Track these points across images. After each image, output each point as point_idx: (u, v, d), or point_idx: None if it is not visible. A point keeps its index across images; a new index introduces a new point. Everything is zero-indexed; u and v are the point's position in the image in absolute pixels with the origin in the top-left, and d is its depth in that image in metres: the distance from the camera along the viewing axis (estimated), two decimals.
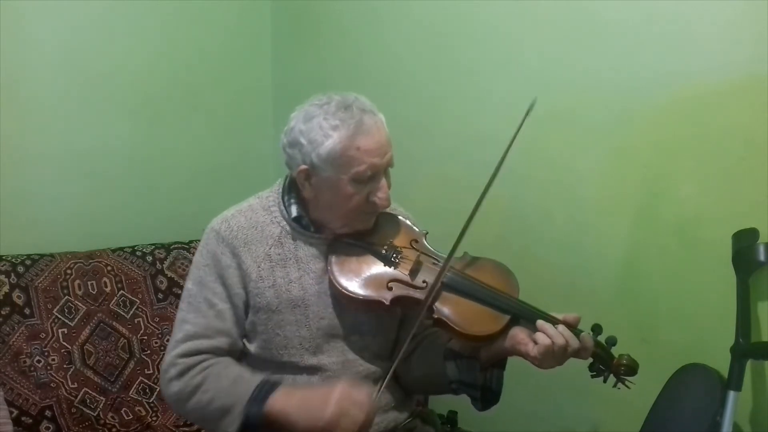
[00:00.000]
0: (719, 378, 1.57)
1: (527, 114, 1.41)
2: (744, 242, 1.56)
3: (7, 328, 1.97)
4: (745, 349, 1.52)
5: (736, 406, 1.50)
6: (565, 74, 1.89)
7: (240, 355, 1.48)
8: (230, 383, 1.37)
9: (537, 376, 1.99)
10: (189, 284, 1.46)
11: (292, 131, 1.41)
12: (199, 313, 1.42)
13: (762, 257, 1.53)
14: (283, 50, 2.70)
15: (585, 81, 1.85)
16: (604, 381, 1.36)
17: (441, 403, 2.07)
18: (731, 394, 1.51)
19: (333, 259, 1.44)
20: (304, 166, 1.39)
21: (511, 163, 2.01)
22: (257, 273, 1.43)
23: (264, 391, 1.34)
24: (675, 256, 1.72)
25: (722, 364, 1.56)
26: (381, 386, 1.35)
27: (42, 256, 2.11)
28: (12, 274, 2.03)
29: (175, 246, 2.34)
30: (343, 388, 1.30)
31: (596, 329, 1.35)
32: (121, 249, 2.26)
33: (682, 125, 1.69)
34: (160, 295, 2.24)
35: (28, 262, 2.08)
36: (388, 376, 1.35)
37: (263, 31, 2.71)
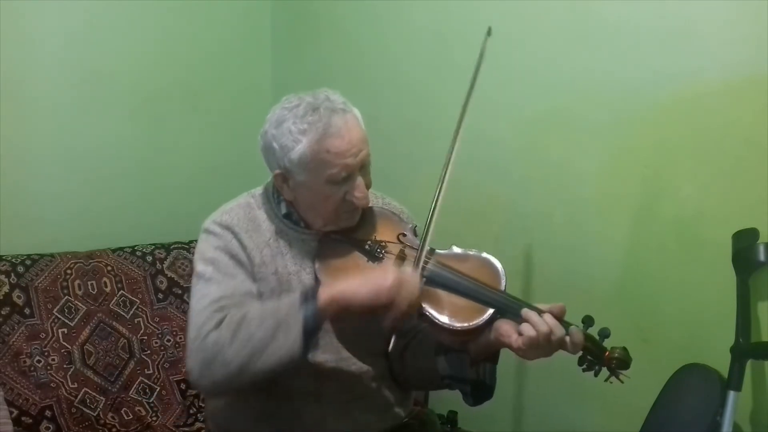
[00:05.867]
0: (719, 378, 1.57)
1: (485, 41, 1.48)
2: (744, 242, 1.56)
3: (7, 328, 1.97)
4: (745, 349, 1.52)
5: (736, 406, 1.50)
6: (565, 74, 1.89)
7: None
8: (272, 305, 1.33)
9: (538, 376, 2.00)
10: (200, 267, 1.42)
11: (265, 135, 1.41)
12: (221, 284, 1.38)
13: (762, 257, 1.53)
14: (283, 50, 2.70)
15: (585, 81, 1.85)
16: (596, 375, 1.32)
17: (441, 403, 2.07)
18: (731, 394, 1.51)
19: (319, 256, 1.44)
20: (278, 171, 1.40)
21: (511, 163, 2.03)
22: (260, 258, 1.43)
23: (309, 290, 1.32)
24: (675, 256, 1.72)
25: (722, 364, 1.56)
26: (419, 257, 1.36)
27: (42, 256, 2.12)
28: (12, 274, 2.03)
29: (175, 246, 2.35)
30: (391, 262, 1.33)
31: (587, 321, 1.31)
32: (121, 249, 2.27)
33: (682, 125, 1.69)
34: (160, 295, 2.24)
35: (28, 262, 2.08)
36: (423, 249, 1.36)
37: (263, 31, 2.71)
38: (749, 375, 1.57)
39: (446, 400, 2.08)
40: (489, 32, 1.50)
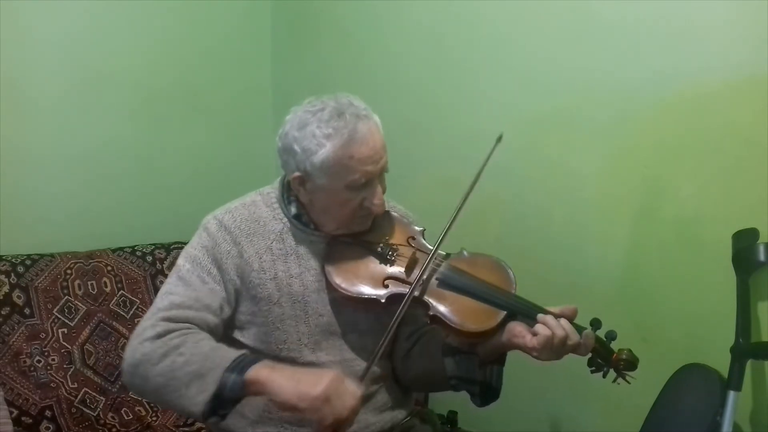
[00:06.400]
0: (719, 378, 1.57)
1: (495, 146, 1.44)
2: (744, 242, 1.56)
3: (7, 328, 1.97)
4: (745, 349, 1.52)
5: (736, 406, 1.50)
6: (565, 74, 1.89)
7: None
8: (210, 349, 1.29)
9: (538, 376, 2.00)
10: (181, 261, 1.42)
11: (286, 137, 1.40)
12: (189, 287, 1.37)
13: (762, 257, 1.53)
14: (283, 50, 2.70)
15: (585, 81, 1.85)
16: (604, 376, 1.35)
17: (441, 403, 2.07)
18: (731, 394, 1.51)
19: (330, 257, 1.45)
20: (297, 173, 1.40)
21: (512, 163, 2.03)
22: (259, 264, 1.43)
23: (246, 360, 1.26)
24: (675, 256, 1.72)
25: (722, 364, 1.56)
26: (368, 369, 1.31)
27: (42, 256, 2.12)
28: (12, 274, 2.03)
29: (175, 246, 2.35)
30: (336, 372, 1.25)
31: (595, 324, 1.33)
32: (121, 249, 2.27)
33: (682, 125, 1.69)
34: None
35: (28, 262, 2.08)
36: (375, 358, 1.32)
37: (263, 31, 2.71)
38: (749, 375, 1.57)
39: (446, 400, 2.08)
40: (499, 139, 1.45)
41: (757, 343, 1.55)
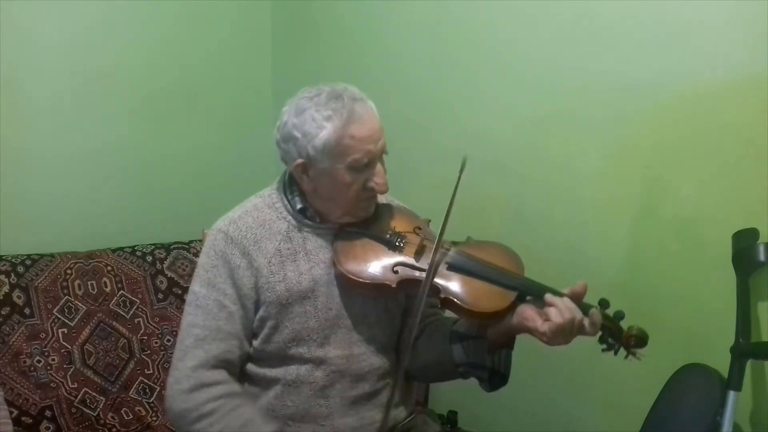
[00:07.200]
0: (719, 378, 1.57)
1: (461, 172, 1.42)
2: (744, 242, 1.56)
3: (7, 328, 1.97)
4: (745, 349, 1.52)
5: (736, 406, 1.50)
6: (565, 74, 1.89)
7: (246, 358, 1.48)
8: (239, 426, 1.36)
9: (538, 376, 2.00)
10: (196, 287, 1.44)
11: (285, 126, 1.42)
12: (209, 316, 1.41)
13: (762, 257, 1.53)
14: (283, 50, 2.70)
15: (585, 81, 1.85)
16: (615, 353, 1.37)
17: (441, 403, 2.07)
18: (731, 394, 1.51)
19: (338, 247, 1.46)
20: (300, 160, 1.41)
21: (512, 162, 2.03)
22: (268, 269, 1.43)
23: None
24: (675, 256, 1.72)
25: (722, 364, 1.56)
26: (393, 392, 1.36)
27: (42, 256, 2.12)
28: (12, 274, 2.03)
29: (175, 246, 2.35)
30: None
31: (603, 303, 1.35)
32: (121, 249, 2.27)
33: (682, 125, 1.69)
34: (160, 295, 2.24)
35: (28, 262, 2.08)
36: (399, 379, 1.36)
37: (263, 31, 2.72)
38: (749, 375, 1.57)
39: (446, 400, 2.08)
40: (464, 164, 1.43)
41: (757, 343, 1.55)
